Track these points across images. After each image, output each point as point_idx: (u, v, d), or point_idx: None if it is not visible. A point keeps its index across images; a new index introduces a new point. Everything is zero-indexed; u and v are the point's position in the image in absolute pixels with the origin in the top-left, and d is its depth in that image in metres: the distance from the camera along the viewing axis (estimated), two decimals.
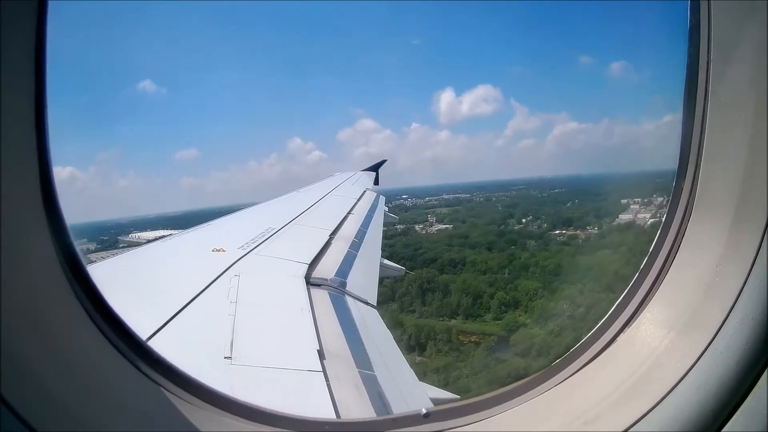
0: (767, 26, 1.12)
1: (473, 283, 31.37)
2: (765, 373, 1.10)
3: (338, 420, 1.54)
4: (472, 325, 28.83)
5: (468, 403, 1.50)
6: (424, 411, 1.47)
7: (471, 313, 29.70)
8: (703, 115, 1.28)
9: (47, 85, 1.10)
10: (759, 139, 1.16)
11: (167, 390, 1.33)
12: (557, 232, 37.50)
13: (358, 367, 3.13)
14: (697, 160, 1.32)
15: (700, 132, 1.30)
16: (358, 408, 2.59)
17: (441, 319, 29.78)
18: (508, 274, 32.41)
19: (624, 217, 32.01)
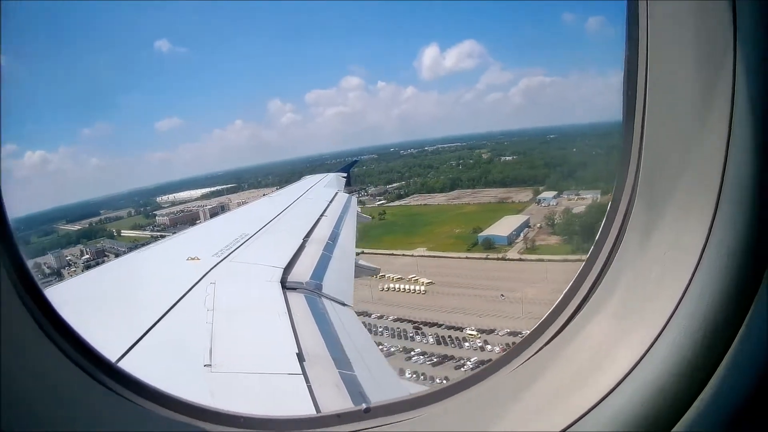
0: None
1: None
2: (727, 354, 1.10)
3: (282, 417, 1.58)
4: None
5: (410, 398, 1.49)
6: (364, 406, 1.47)
7: None
8: (644, 102, 1.27)
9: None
10: (700, 125, 1.15)
11: (131, 401, 1.34)
12: None
13: (337, 368, 3.21)
14: (639, 147, 1.30)
15: (642, 117, 1.28)
16: (340, 408, 2.67)
17: None
18: None
19: None
